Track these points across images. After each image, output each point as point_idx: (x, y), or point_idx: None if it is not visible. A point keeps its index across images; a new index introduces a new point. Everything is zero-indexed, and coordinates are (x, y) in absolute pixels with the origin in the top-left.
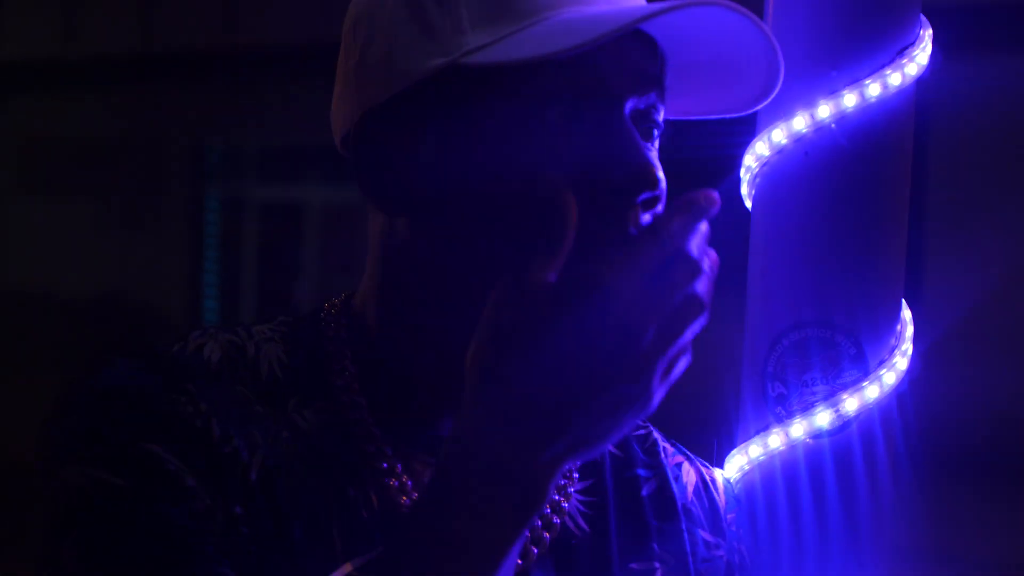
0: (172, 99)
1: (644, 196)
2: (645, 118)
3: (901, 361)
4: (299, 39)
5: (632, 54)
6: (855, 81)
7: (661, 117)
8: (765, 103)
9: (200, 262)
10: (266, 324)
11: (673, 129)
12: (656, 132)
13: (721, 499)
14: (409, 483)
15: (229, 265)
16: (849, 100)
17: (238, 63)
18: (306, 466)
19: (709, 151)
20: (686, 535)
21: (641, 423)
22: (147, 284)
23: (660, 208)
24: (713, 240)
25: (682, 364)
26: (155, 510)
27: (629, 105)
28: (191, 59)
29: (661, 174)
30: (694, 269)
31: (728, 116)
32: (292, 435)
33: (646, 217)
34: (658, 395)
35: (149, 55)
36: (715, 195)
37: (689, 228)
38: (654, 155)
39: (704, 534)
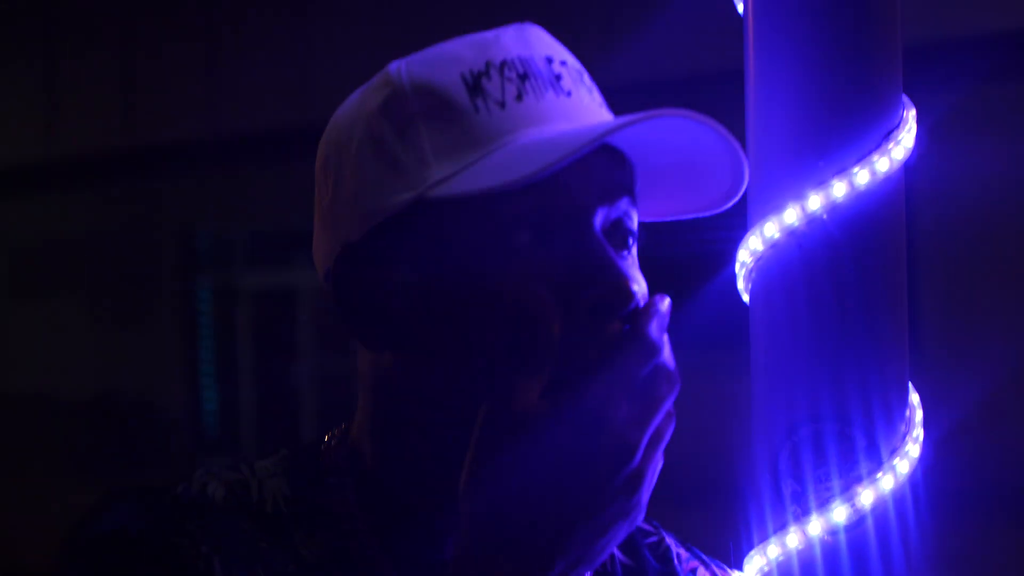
0: (158, 191)
1: (621, 313)
2: (617, 228)
3: (913, 448)
4: (281, 123)
5: (598, 167)
6: (843, 170)
7: (635, 224)
8: (735, 201)
9: (196, 352)
10: (269, 459)
11: (666, 225)
12: (631, 240)
13: None
14: None
15: (225, 353)
16: (839, 189)
17: (221, 150)
18: None
19: (704, 246)
20: None
21: (652, 529)
22: (144, 379)
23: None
24: (714, 337)
25: (659, 467)
26: None
27: (599, 218)
28: (175, 149)
29: (637, 286)
30: (673, 380)
31: (700, 215)
32: (298, 569)
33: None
34: (646, 501)
35: (132, 148)
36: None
37: (663, 336)
38: (630, 264)
39: None
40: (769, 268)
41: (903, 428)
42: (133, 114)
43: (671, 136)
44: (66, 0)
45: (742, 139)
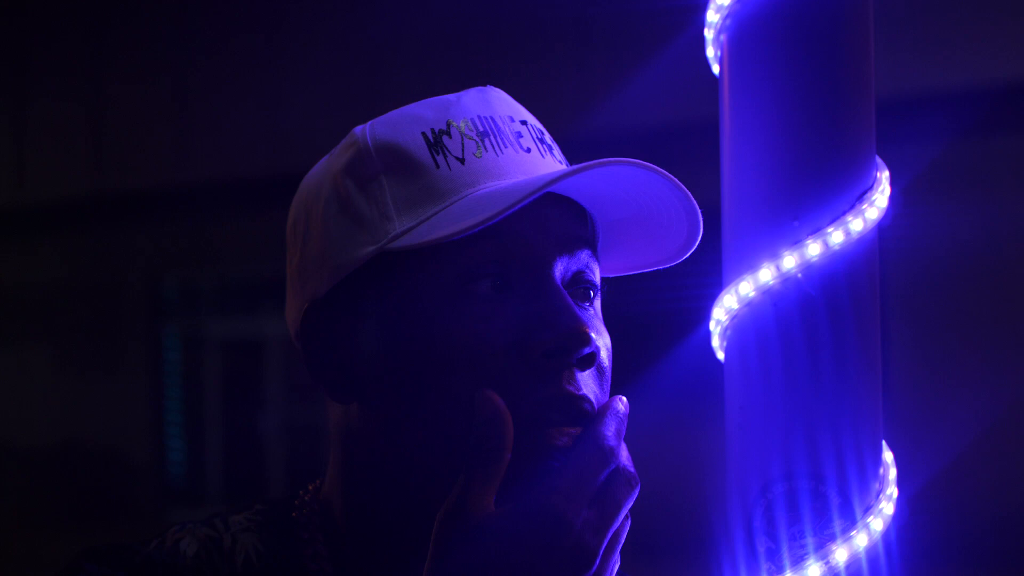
0: (126, 239)
1: (576, 355)
2: (578, 280)
3: (887, 506)
4: (251, 172)
5: (556, 219)
6: (817, 230)
7: (596, 277)
8: (690, 251)
9: (162, 401)
10: (243, 513)
11: (640, 283)
12: (592, 292)
13: None
14: None
15: (192, 402)
16: (813, 249)
17: (191, 199)
18: None
19: (679, 303)
20: None
21: None
22: (110, 427)
23: (594, 365)
24: (689, 394)
25: (616, 567)
26: None
27: (559, 268)
28: (143, 197)
29: (595, 334)
30: (632, 483)
31: (660, 267)
32: None
33: (582, 376)
34: None
35: (101, 195)
36: (625, 401)
37: (620, 440)
38: (592, 316)
39: None
40: (744, 326)
41: (877, 486)
42: (102, 161)
43: (626, 187)
44: (36, 48)
45: (717, 197)
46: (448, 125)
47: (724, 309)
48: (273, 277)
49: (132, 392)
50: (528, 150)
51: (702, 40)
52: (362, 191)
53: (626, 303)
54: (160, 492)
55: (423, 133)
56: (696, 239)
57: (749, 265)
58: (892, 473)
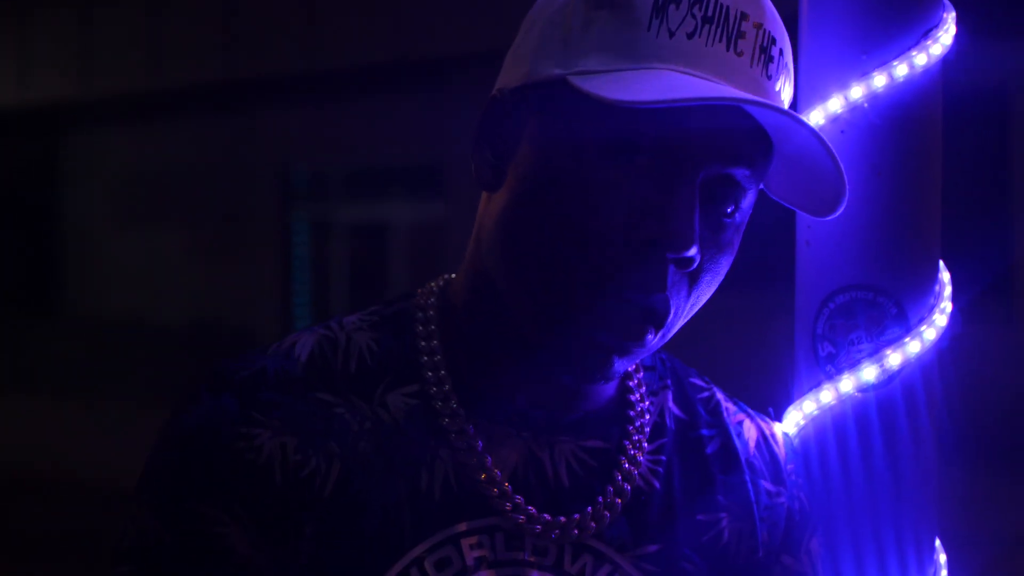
0: (256, 125)
1: (671, 254)
2: (721, 185)
3: (940, 318)
4: (380, 59)
5: (723, 129)
6: (884, 63)
7: (747, 192)
8: (838, 213)
9: (290, 285)
10: (358, 314)
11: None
12: (730, 207)
13: (781, 451)
14: (488, 460)
15: (319, 286)
16: (879, 81)
17: (320, 85)
18: (385, 457)
19: None
20: (750, 486)
21: (704, 384)
22: (239, 309)
23: (690, 269)
24: (767, 216)
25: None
26: (192, 573)
27: (704, 171)
28: (273, 84)
29: (694, 248)
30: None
31: (814, 215)
32: (375, 425)
33: (675, 274)
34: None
35: (232, 82)
36: None
37: None
38: (722, 225)
39: (766, 484)
40: None
41: (932, 300)
42: (234, 48)
43: (801, 141)
44: None
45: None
46: None
47: None
48: (399, 164)
49: (262, 275)
50: (740, 53)
51: None
52: (583, 20)
53: None
54: None
55: None
56: (840, 202)
57: (821, 95)
58: (947, 291)
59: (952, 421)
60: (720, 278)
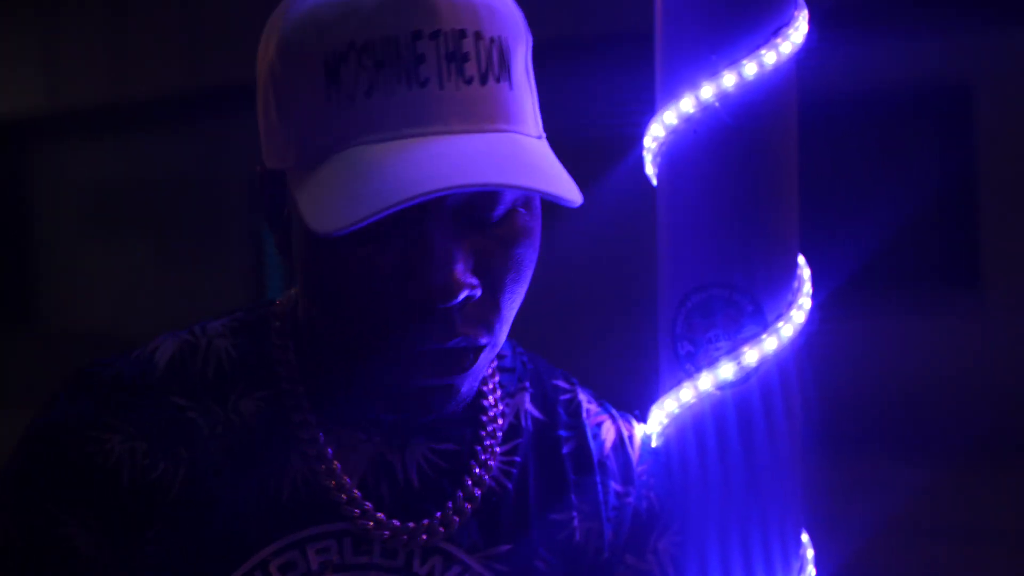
0: (224, 134)
1: (443, 306)
2: (477, 201)
3: (798, 314)
4: None
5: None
6: (734, 62)
7: (505, 194)
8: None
9: (263, 293)
10: (221, 319)
11: (578, 109)
12: (496, 211)
13: (635, 453)
14: (338, 466)
15: None
16: (729, 80)
17: None
18: (234, 461)
19: (614, 130)
20: (600, 487)
21: (568, 386)
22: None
23: (477, 300)
24: (627, 214)
25: None
26: (36, 571)
27: (450, 205)
28: (241, 92)
29: (463, 292)
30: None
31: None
32: (226, 429)
33: (462, 314)
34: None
35: (199, 91)
36: None
37: None
38: (492, 228)
39: (616, 485)
40: (670, 151)
41: (789, 297)
42: (199, 57)
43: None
44: None
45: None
46: (349, 48)
47: (651, 136)
48: None
49: (234, 284)
50: (424, 82)
51: None
52: (276, 98)
53: (567, 129)
54: None
55: (325, 56)
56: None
57: (674, 95)
58: (806, 287)
59: (810, 416)
60: (528, 263)
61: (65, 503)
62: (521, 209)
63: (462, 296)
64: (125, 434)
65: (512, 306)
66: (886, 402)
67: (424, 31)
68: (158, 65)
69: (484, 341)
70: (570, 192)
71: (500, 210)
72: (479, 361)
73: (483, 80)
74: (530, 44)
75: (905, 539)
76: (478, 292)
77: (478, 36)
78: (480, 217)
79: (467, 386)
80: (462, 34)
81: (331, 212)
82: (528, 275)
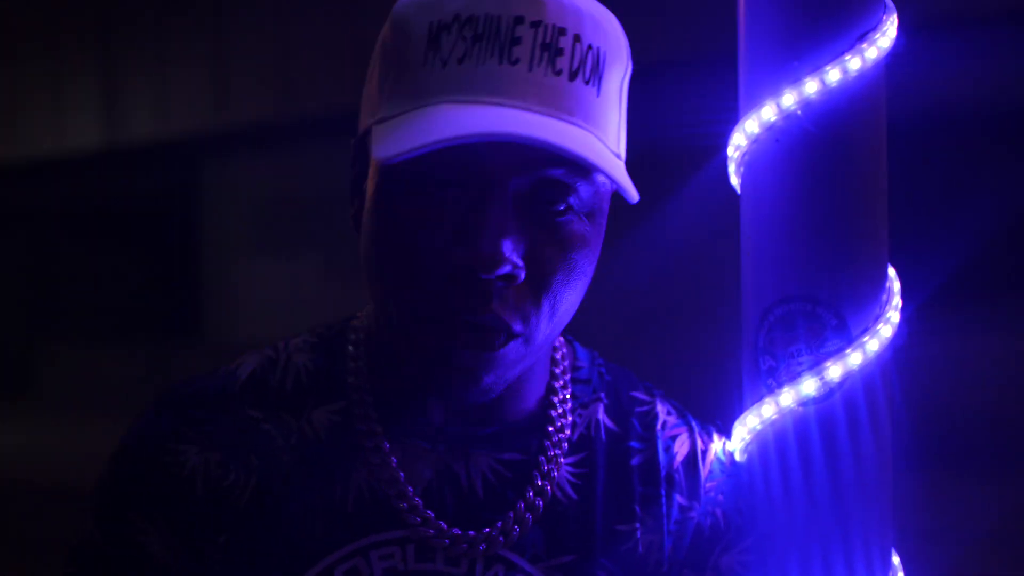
0: None
1: (484, 276)
2: (539, 192)
3: (885, 329)
4: None
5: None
6: (817, 69)
7: (577, 191)
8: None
9: None
10: (303, 335)
11: (662, 116)
12: (560, 206)
13: (705, 469)
14: (402, 475)
15: None
16: (811, 87)
17: None
18: (303, 470)
19: (697, 140)
20: (664, 499)
21: (646, 399)
22: None
23: (520, 282)
24: (711, 224)
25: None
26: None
27: (513, 184)
28: None
29: (505, 267)
30: None
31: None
32: (299, 440)
33: (502, 293)
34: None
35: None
36: None
37: None
38: (552, 223)
39: (680, 498)
40: (754, 160)
41: (877, 310)
42: (363, 75)
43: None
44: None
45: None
46: (453, 19)
47: (734, 145)
48: None
49: None
50: (516, 61)
51: None
52: (382, 60)
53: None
54: None
55: (430, 24)
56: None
57: (757, 102)
58: (895, 301)
59: (900, 433)
60: (580, 272)
61: (144, 512)
62: (583, 215)
63: (504, 269)
64: (201, 446)
65: (555, 307)
66: (981, 418)
67: (527, 18)
68: (326, 80)
69: (517, 329)
70: (629, 187)
71: (560, 207)
72: (508, 349)
73: (572, 77)
74: (629, 71)
75: (999, 558)
76: (521, 275)
77: (577, 39)
78: (540, 212)
79: (492, 377)
80: (562, 31)
81: (393, 144)
82: (579, 284)
